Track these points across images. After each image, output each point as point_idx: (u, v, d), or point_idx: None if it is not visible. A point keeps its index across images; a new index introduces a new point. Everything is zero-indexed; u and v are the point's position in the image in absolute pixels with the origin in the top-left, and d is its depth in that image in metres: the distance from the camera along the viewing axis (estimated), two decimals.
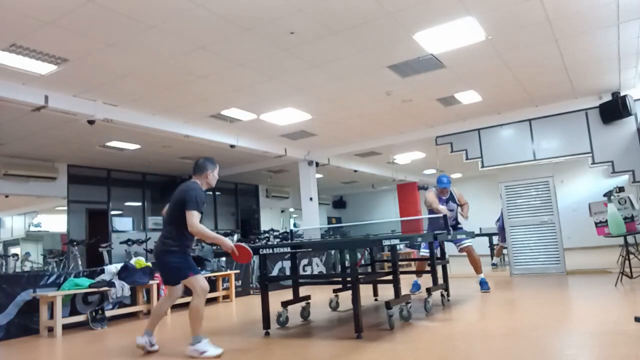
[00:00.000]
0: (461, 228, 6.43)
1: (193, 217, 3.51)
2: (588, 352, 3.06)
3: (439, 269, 5.57)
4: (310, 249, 6.56)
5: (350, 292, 3.97)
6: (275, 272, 8.28)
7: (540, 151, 8.22)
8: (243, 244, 3.69)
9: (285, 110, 7.51)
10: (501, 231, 9.15)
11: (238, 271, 7.67)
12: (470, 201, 6.60)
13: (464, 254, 6.35)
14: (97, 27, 4.50)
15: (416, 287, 6.37)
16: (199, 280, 3.61)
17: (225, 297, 7.29)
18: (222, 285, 7.30)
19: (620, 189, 6.31)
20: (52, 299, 5.06)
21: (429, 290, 4.87)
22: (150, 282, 6.02)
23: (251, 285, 8.07)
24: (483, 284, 6.23)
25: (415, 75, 6.31)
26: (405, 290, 4.61)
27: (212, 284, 7.21)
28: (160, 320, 3.88)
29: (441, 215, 6.02)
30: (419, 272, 6.14)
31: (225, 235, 9.80)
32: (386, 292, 5.86)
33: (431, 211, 6.42)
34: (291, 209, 16.74)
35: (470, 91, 7.19)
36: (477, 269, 6.28)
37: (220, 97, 6.73)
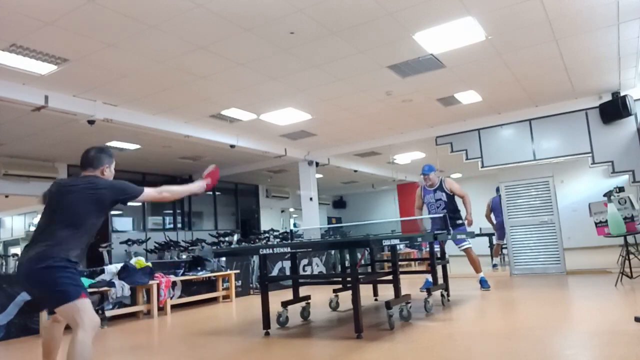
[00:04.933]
0: (462, 224, 6.37)
1: (152, 190, 2.85)
2: (588, 352, 3.06)
3: (439, 269, 5.58)
4: (310, 249, 6.55)
5: (350, 292, 3.97)
6: (275, 272, 8.28)
7: (540, 151, 8.22)
8: (210, 170, 3.22)
9: (285, 110, 7.51)
10: (500, 229, 9.13)
11: (238, 271, 7.67)
12: (470, 201, 6.52)
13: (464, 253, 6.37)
14: (97, 27, 4.50)
15: (428, 284, 6.33)
16: (88, 309, 2.53)
17: (225, 297, 7.29)
18: (222, 285, 7.29)
19: (620, 189, 6.31)
20: None
21: (429, 290, 4.87)
22: (150, 282, 6.02)
23: (251, 285, 8.06)
24: (483, 283, 6.26)
25: (415, 75, 6.31)
26: (405, 290, 4.60)
27: (212, 284, 7.21)
28: (57, 351, 2.87)
29: (440, 215, 6.02)
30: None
31: (225, 235, 9.86)
32: (386, 292, 5.86)
33: (428, 209, 6.45)
34: (291, 209, 16.74)
35: (470, 91, 7.19)
36: (477, 268, 6.30)
37: (220, 97, 6.73)
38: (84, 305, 2.51)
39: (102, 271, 5.88)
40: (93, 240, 2.82)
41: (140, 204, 11.71)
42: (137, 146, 8.93)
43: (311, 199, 10.72)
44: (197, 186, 3.12)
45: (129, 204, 2.91)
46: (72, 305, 2.48)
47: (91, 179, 2.82)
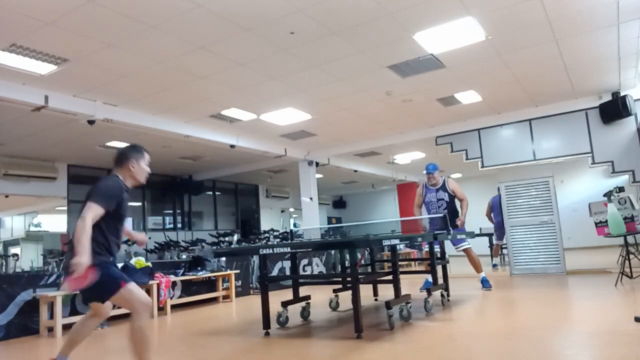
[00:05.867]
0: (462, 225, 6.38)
1: (90, 210, 2.60)
2: (588, 352, 3.06)
3: (439, 269, 5.58)
4: (310, 249, 6.55)
5: (350, 292, 3.97)
6: (275, 272, 8.28)
7: (540, 151, 8.22)
8: (93, 272, 2.58)
9: (285, 110, 7.51)
10: (499, 229, 9.12)
11: (238, 271, 7.67)
12: (470, 201, 6.52)
13: (464, 253, 6.37)
14: (97, 27, 4.50)
15: (428, 284, 6.32)
16: (134, 292, 2.68)
17: (225, 297, 7.29)
18: (222, 285, 7.29)
19: (620, 189, 6.31)
20: (52, 299, 5.05)
21: (429, 291, 4.87)
22: (150, 282, 6.02)
23: (251, 285, 8.06)
24: (484, 282, 6.26)
25: (415, 75, 6.31)
26: (405, 290, 4.60)
27: (212, 284, 7.21)
28: (79, 344, 2.97)
29: (440, 215, 6.02)
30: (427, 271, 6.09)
31: (225, 235, 9.85)
32: (386, 292, 5.86)
33: (427, 208, 6.45)
34: (291, 209, 16.74)
35: (470, 91, 7.19)
36: (477, 268, 6.30)
37: (220, 97, 6.73)
38: (129, 292, 2.65)
39: None
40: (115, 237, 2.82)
41: (140, 203, 11.73)
42: None
43: (311, 198, 10.72)
44: (81, 256, 2.49)
45: (128, 203, 2.90)
46: (119, 296, 2.65)
47: (102, 179, 2.84)
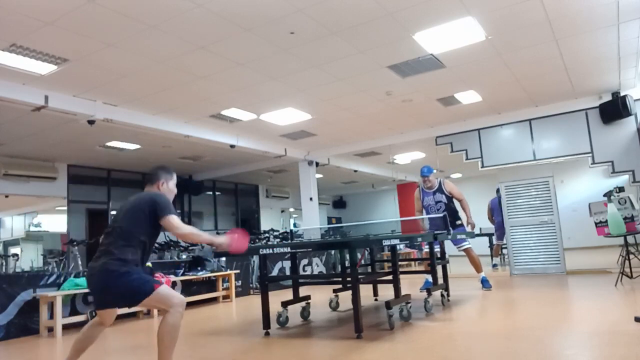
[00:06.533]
0: (461, 225, 6.36)
1: (175, 220, 2.87)
2: (588, 352, 3.06)
3: (439, 269, 5.58)
4: (310, 249, 6.55)
5: (350, 292, 3.97)
6: (275, 272, 8.28)
7: (540, 151, 8.22)
8: (237, 231, 3.06)
9: (285, 110, 7.51)
10: (499, 229, 9.12)
11: (238, 271, 7.68)
12: (470, 201, 6.52)
13: (464, 253, 6.37)
14: (97, 27, 4.50)
15: (428, 284, 6.32)
16: (168, 291, 2.81)
17: (225, 297, 7.29)
18: (222, 285, 7.30)
19: (620, 189, 6.31)
20: (52, 299, 5.06)
21: (429, 291, 4.87)
22: None
23: (251, 285, 8.07)
24: (484, 282, 6.26)
25: (415, 75, 6.31)
26: (405, 290, 4.60)
27: (212, 284, 7.21)
28: (85, 351, 2.93)
29: (440, 215, 6.02)
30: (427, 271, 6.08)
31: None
32: (386, 292, 5.86)
33: (427, 211, 6.44)
34: (291, 209, 16.74)
35: (470, 91, 7.19)
36: (477, 268, 6.30)
37: (220, 97, 6.73)
38: (163, 291, 2.74)
39: None
40: (143, 245, 2.90)
41: None
42: (137, 146, 8.92)
43: (311, 199, 10.72)
44: (219, 241, 3.02)
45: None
46: (154, 296, 2.70)
47: (141, 193, 3.03)
